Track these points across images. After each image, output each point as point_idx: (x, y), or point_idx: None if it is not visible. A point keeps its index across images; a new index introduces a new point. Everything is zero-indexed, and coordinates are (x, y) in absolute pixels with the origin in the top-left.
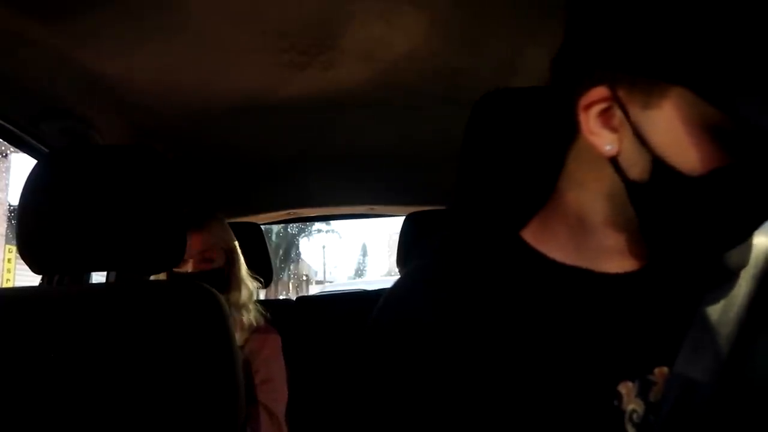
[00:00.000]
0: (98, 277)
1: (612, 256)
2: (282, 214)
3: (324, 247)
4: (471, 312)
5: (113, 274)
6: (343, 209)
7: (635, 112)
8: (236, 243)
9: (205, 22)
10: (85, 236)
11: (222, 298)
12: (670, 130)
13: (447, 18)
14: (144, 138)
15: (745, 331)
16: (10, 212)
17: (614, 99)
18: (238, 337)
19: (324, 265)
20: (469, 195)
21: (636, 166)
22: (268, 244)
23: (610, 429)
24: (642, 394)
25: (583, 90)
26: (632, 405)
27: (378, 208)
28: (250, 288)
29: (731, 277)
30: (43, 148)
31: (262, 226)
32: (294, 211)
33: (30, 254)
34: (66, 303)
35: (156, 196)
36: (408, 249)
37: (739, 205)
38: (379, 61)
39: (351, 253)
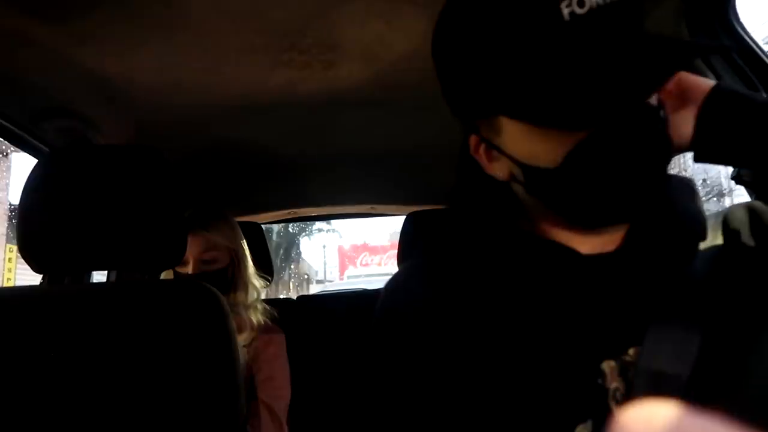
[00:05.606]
0: (98, 277)
1: (581, 239)
2: (283, 214)
3: (324, 246)
4: (460, 298)
5: (113, 273)
6: (343, 209)
7: (497, 141)
8: (243, 243)
9: (205, 21)
10: (86, 236)
11: (222, 297)
12: (518, 142)
13: None
14: (144, 138)
15: (713, 307)
16: (11, 212)
17: (482, 139)
18: (246, 337)
19: (324, 264)
20: (464, 193)
21: (520, 175)
22: (268, 244)
23: (595, 407)
24: (623, 373)
25: (468, 139)
26: (615, 383)
27: (378, 208)
28: (258, 288)
29: (692, 251)
30: (43, 147)
31: (263, 226)
32: (295, 210)
33: (30, 254)
34: (66, 303)
35: (156, 195)
36: (409, 248)
37: (605, 166)
38: (379, 61)
39: None
